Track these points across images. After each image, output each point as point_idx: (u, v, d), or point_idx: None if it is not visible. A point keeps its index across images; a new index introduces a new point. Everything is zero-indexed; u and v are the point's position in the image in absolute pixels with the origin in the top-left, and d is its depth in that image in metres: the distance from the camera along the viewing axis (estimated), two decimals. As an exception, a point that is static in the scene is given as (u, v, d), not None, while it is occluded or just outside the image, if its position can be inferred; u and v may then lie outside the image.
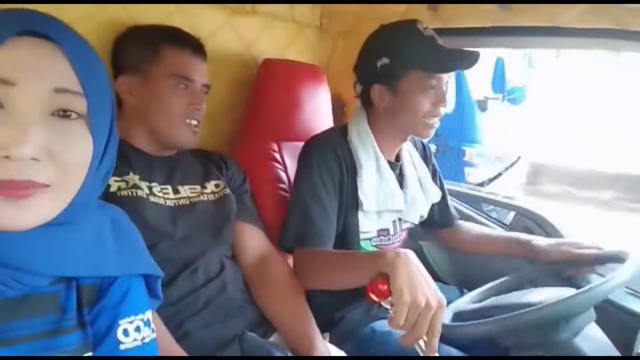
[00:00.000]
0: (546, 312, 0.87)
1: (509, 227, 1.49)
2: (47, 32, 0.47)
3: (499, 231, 1.42)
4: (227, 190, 1.10)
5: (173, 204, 0.99)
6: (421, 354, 0.82)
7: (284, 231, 1.11)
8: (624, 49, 1.27)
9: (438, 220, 1.38)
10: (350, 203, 1.14)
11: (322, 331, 1.05)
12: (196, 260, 0.96)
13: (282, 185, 1.27)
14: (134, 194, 0.93)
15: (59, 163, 0.47)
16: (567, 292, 0.94)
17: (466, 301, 1.09)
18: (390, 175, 1.18)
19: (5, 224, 0.46)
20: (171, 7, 1.19)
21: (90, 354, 0.54)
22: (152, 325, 0.60)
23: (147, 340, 0.58)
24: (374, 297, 0.85)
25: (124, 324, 0.56)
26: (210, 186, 1.08)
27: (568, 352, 0.92)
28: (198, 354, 0.84)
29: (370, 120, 1.18)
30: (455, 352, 1.08)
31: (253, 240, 1.11)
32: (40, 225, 0.48)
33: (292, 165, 1.27)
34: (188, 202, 1.02)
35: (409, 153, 1.28)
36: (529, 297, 0.96)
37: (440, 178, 1.38)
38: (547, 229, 1.37)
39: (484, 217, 1.58)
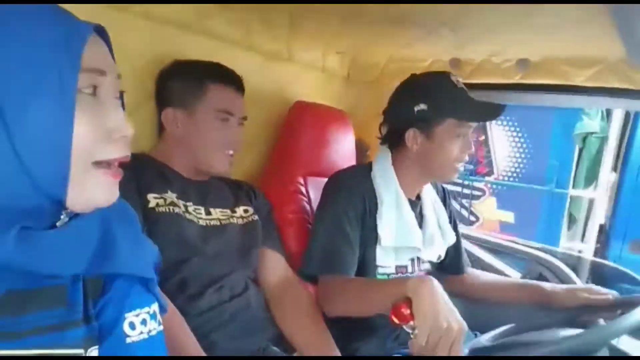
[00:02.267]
0: (565, 346, 0.88)
1: (524, 275, 1.51)
2: (100, 29, 0.53)
3: (510, 278, 1.42)
4: (256, 217, 1.15)
5: (205, 224, 1.05)
6: None
7: (307, 259, 1.15)
8: (635, 107, 1.35)
9: (449, 265, 1.38)
10: (369, 237, 1.18)
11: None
12: (223, 277, 1.00)
13: (306, 217, 1.33)
14: (172, 210, 0.98)
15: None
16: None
17: (482, 340, 1.10)
18: (409, 213, 1.23)
19: (111, 200, 0.53)
20: (212, 47, 1.25)
21: (96, 347, 0.54)
22: (159, 318, 0.59)
23: (153, 333, 0.57)
24: (396, 320, 0.87)
25: (130, 316, 0.56)
26: (240, 211, 1.14)
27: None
28: None
29: (395, 160, 1.23)
30: None
31: (276, 265, 1.15)
32: (64, 223, 0.52)
33: (316, 198, 1.32)
34: (219, 223, 1.08)
35: (429, 195, 1.33)
36: (547, 335, 0.97)
37: (455, 222, 1.41)
38: (562, 278, 1.39)
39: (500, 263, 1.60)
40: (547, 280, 1.39)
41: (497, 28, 1.17)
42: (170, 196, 1.01)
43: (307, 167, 1.40)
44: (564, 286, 1.23)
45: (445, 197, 1.41)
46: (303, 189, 1.37)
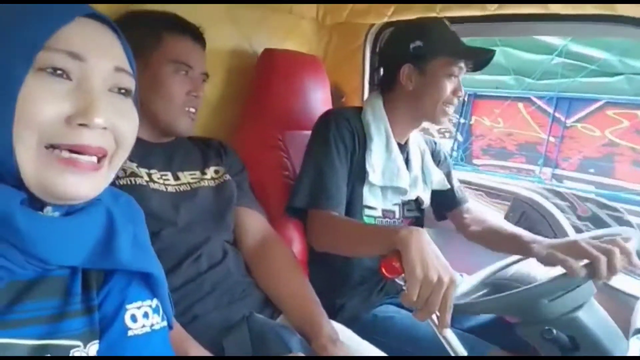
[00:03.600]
0: (549, 285, 0.89)
1: (507, 213, 1.53)
2: (106, 18, 0.52)
3: (505, 228, 1.33)
4: (227, 177, 1.10)
5: (174, 190, 0.99)
6: (435, 329, 0.84)
7: (296, 193, 1.15)
8: (615, 36, 1.32)
9: (446, 203, 1.40)
10: (357, 174, 1.19)
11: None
12: (200, 247, 0.96)
13: (286, 173, 1.29)
14: (133, 182, 0.92)
15: (117, 135, 0.51)
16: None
17: (469, 281, 1.12)
18: (398, 154, 1.24)
19: (69, 192, 0.48)
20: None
21: (96, 342, 0.53)
22: (162, 313, 0.59)
23: (156, 327, 0.57)
24: (387, 274, 0.87)
25: (131, 308, 0.56)
26: (210, 172, 1.08)
27: (572, 325, 0.95)
28: (207, 336, 0.84)
29: (386, 103, 1.25)
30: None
31: (254, 224, 1.11)
32: (61, 213, 0.51)
33: (295, 153, 1.29)
34: (189, 187, 1.02)
35: (417, 142, 1.34)
36: (534, 273, 0.99)
37: (449, 166, 1.43)
38: (542, 212, 1.41)
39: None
40: (529, 217, 1.40)
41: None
42: (130, 166, 0.94)
43: (283, 121, 1.34)
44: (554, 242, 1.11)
45: (435, 146, 1.42)
46: (281, 144, 1.31)
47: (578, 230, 1.51)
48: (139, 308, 0.56)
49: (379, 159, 1.21)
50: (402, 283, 0.86)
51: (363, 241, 1.00)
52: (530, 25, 1.35)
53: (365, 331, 1.07)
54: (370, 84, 1.66)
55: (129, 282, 0.57)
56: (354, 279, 1.23)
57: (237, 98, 1.38)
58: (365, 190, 1.20)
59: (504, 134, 6.29)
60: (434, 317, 0.83)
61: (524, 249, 1.11)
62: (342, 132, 1.17)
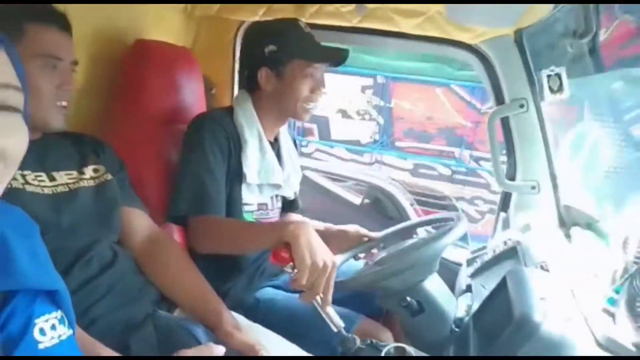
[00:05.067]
0: (396, 265, 1.10)
1: (363, 199, 1.75)
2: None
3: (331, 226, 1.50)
4: (109, 176, 1.06)
5: (51, 192, 0.93)
6: (319, 308, 0.97)
7: (175, 200, 1.17)
8: (447, 53, 1.61)
9: (289, 203, 1.50)
10: (235, 176, 1.25)
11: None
12: (88, 249, 0.93)
13: (164, 168, 1.28)
14: (9, 186, 0.84)
15: (6, 155, 0.48)
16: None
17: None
18: (271, 153, 1.32)
19: None
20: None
21: None
22: (66, 322, 0.59)
23: (64, 337, 0.57)
24: (277, 263, 0.97)
25: (40, 322, 0.55)
26: (89, 171, 1.03)
27: (420, 293, 1.17)
28: (109, 338, 0.83)
29: (254, 103, 1.30)
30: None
31: (140, 223, 1.10)
32: None
33: (173, 147, 1.28)
34: (67, 189, 0.96)
35: (285, 138, 1.43)
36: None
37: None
38: (394, 203, 1.66)
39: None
40: (381, 201, 1.63)
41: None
42: None
43: (157, 114, 1.31)
44: (336, 229, 1.41)
45: (295, 143, 1.53)
46: (158, 139, 1.29)
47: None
48: (46, 321, 0.55)
49: (255, 160, 1.27)
50: (289, 271, 0.97)
51: (250, 239, 1.08)
52: (386, 40, 1.56)
53: (249, 315, 1.15)
54: (241, 79, 1.71)
55: (34, 299, 0.55)
56: (235, 267, 1.29)
57: (101, 89, 1.31)
58: (244, 189, 1.27)
59: (424, 117, 6.44)
60: (317, 297, 0.96)
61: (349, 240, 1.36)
62: (217, 137, 1.21)
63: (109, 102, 1.31)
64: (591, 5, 1.11)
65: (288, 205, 1.51)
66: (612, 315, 0.79)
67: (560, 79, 1.22)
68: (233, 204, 1.25)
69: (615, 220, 1.23)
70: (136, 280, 1.00)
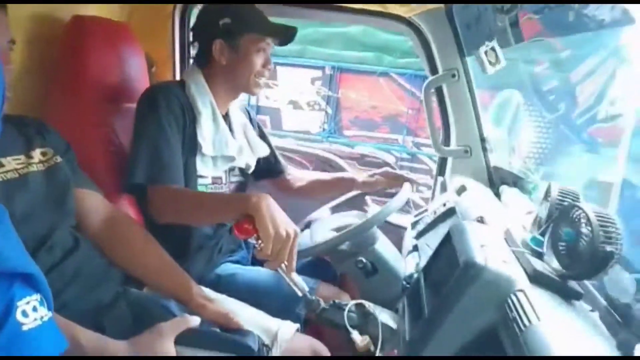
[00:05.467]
0: (349, 233, 1.18)
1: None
2: None
3: (323, 174, 1.73)
4: (58, 158, 1.02)
5: (1, 179, 0.89)
6: (283, 275, 1.02)
7: (132, 169, 1.16)
8: (385, 26, 1.68)
9: (272, 170, 1.59)
10: (190, 147, 1.26)
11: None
12: (48, 237, 0.90)
13: (112, 149, 1.25)
14: None
15: None
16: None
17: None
18: (224, 125, 1.34)
19: None
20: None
21: None
22: (45, 304, 0.60)
23: (45, 319, 0.58)
24: (240, 236, 1.00)
25: (21, 305, 0.56)
26: (37, 155, 0.99)
27: (373, 255, 1.26)
28: (81, 321, 0.82)
29: (206, 76, 1.31)
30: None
31: (96, 205, 1.08)
32: None
33: (120, 127, 1.26)
34: (17, 175, 0.93)
35: (236, 113, 1.45)
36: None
37: (266, 135, 1.59)
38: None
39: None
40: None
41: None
42: None
43: (102, 94, 1.27)
44: (364, 174, 1.58)
45: (249, 115, 1.55)
46: (104, 119, 1.26)
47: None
48: (27, 303, 0.57)
49: (209, 131, 1.29)
50: (254, 242, 1.00)
51: (211, 211, 1.10)
52: (330, 14, 1.60)
53: (212, 290, 1.18)
54: (182, 56, 1.68)
55: (12, 282, 0.56)
56: (194, 244, 1.31)
57: (41, 70, 1.24)
58: (198, 160, 1.28)
59: (369, 106, 6.80)
60: (282, 265, 1.01)
61: (349, 185, 1.53)
62: (172, 107, 1.21)
63: (49, 83, 1.25)
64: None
65: (271, 171, 1.58)
66: (540, 255, 0.92)
67: (495, 51, 1.33)
68: (188, 175, 1.25)
69: (538, 174, 1.38)
70: (100, 262, 0.99)
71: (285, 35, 1.34)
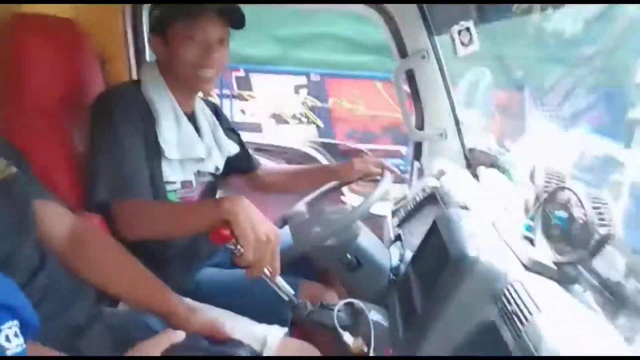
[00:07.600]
0: (334, 229, 1.13)
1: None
2: None
3: (297, 166, 1.64)
4: (14, 169, 0.92)
5: None
6: (267, 280, 0.96)
7: (93, 187, 1.07)
8: (351, 10, 1.62)
9: (243, 167, 1.50)
10: (153, 152, 1.15)
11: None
12: (12, 256, 0.81)
13: (71, 156, 1.15)
14: None
15: None
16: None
17: None
18: (187, 124, 1.24)
19: None
20: None
21: None
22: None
23: (24, 346, 0.58)
24: (218, 242, 0.93)
25: (5, 329, 0.56)
26: None
27: (356, 250, 1.22)
28: (55, 345, 0.75)
29: (161, 72, 1.21)
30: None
31: (57, 217, 0.97)
32: None
33: (74, 131, 1.16)
34: None
35: (203, 112, 1.35)
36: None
37: (236, 131, 1.49)
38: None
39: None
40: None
41: None
42: None
43: (54, 98, 1.16)
44: (344, 162, 1.50)
45: (217, 111, 1.44)
46: (58, 124, 1.15)
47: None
48: (10, 328, 0.57)
49: (171, 132, 1.19)
50: (232, 247, 0.94)
51: (185, 222, 1.00)
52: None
53: (193, 299, 1.11)
54: (136, 51, 1.58)
55: None
56: (170, 252, 1.23)
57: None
58: (164, 165, 1.18)
59: (366, 116, 5.74)
60: (265, 270, 0.95)
61: (327, 176, 1.43)
62: (128, 112, 1.11)
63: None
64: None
65: (242, 168, 1.49)
66: (531, 240, 0.90)
67: (470, 32, 1.29)
68: (155, 183, 1.16)
69: (517, 155, 1.36)
70: (69, 280, 0.91)
71: (221, 12, 1.16)
